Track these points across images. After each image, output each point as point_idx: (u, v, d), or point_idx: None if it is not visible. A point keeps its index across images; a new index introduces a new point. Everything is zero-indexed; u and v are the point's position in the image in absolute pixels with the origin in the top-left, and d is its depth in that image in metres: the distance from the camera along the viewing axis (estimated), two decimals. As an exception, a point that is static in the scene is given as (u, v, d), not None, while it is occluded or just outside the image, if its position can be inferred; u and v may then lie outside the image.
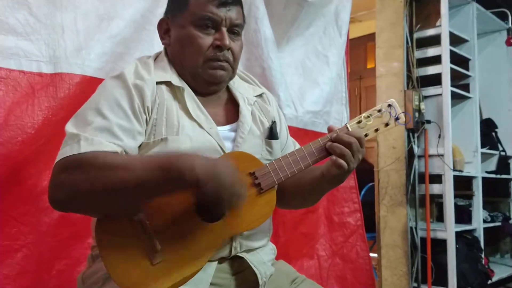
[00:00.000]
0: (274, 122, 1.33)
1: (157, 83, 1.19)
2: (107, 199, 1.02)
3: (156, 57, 1.29)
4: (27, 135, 1.51)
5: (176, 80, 1.22)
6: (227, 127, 1.26)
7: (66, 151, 1.04)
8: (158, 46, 1.33)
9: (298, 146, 1.47)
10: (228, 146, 1.22)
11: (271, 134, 1.31)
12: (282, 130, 1.42)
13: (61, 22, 1.60)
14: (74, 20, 1.63)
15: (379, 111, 1.24)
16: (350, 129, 1.19)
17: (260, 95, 1.39)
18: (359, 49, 5.80)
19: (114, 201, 1.02)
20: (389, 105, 1.24)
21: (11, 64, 1.51)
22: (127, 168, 0.99)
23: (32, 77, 1.54)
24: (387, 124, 1.24)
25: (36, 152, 1.53)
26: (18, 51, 1.52)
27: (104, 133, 1.07)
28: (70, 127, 1.09)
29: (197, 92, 1.25)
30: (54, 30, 1.59)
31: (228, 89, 1.34)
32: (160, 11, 1.34)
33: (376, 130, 1.23)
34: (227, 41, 1.20)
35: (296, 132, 2.35)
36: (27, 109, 1.52)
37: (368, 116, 1.23)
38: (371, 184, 3.66)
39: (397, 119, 1.24)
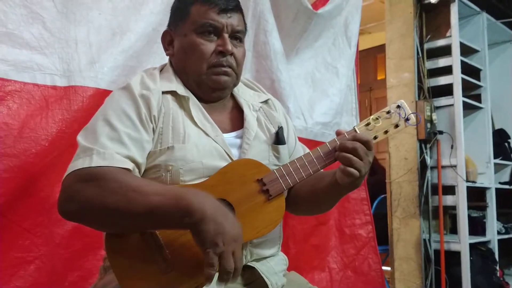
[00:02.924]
0: (280, 128, 1.33)
1: (163, 92, 1.20)
2: (115, 218, 1.02)
3: (162, 69, 1.31)
4: (41, 147, 1.53)
5: (181, 90, 1.23)
6: (233, 134, 1.26)
7: (78, 163, 1.05)
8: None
9: (307, 150, 1.45)
10: (234, 153, 1.22)
11: (278, 139, 1.30)
12: (290, 135, 1.41)
13: (74, 36, 1.63)
14: (87, 34, 1.66)
15: (388, 112, 1.21)
16: (358, 132, 1.17)
17: (266, 101, 1.40)
18: (369, 61, 5.80)
19: (120, 221, 1.03)
20: (398, 106, 1.20)
21: (25, 77, 1.53)
22: (139, 191, 1.00)
23: (46, 90, 1.57)
24: (396, 126, 1.21)
25: (50, 164, 1.55)
26: (33, 65, 1.55)
27: (114, 143, 1.08)
28: (82, 139, 1.10)
29: (202, 100, 1.26)
30: (68, 44, 1.62)
31: (233, 97, 1.35)
32: (171, 24, 1.36)
33: (386, 132, 1.21)
34: (229, 46, 1.22)
35: (306, 144, 2.30)
36: (41, 121, 1.54)
37: (377, 118, 1.20)
38: (383, 196, 3.64)
39: (407, 120, 1.21)
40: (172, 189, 1.03)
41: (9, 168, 1.46)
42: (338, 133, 1.18)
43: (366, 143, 1.12)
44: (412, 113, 1.20)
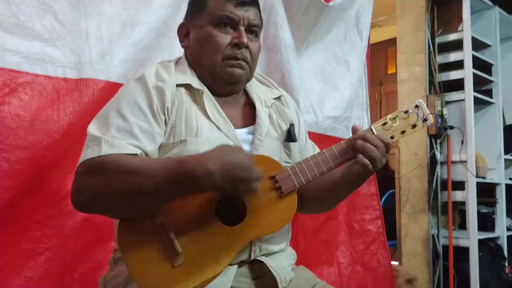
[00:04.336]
0: (292, 125, 1.33)
1: (177, 85, 1.21)
2: (127, 202, 1.04)
3: (177, 62, 1.31)
4: (52, 140, 1.53)
5: (195, 83, 1.23)
6: (245, 129, 1.27)
7: (88, 153, 1.06)
8: (179, 52, 1.35)
9: (317, 149, 1.46)
10: (246, 149, 1.21)
11: (289, 136, 1.31)
12: (301, 133, 1.41)
13: (86, 28, 1.63)
14: (99, 26, 1.66)
15: (406, 112, 1.19)
16: (375, 131, 1.17)
17: (278, 98, 1.40)
18: (380, 54, 5.74)
19: (134, 204, 1.04)
20: (417, 106, 1.19)
21: (37, 69, 1.54)
22: (145, 173, 1.01)
23: (57, 82, 1.57)
24: (414, 126, 1.19)
25: (61, 156, 1.56)
26: (44, 57, 1.55)
27: (124, 134, 1.09)
28: (92, 129, 1.11)
29: (215, 94, 1.26)
30: (79, 36, 1.61)
31: (246, 92, 1.35)
32: (180, 17, 1.35)
33: (403, 132, 1.19)
34: (245, 39, 1.22)
35: (316, 138, 2.32)
36: (52, 113, 1.54)
37: (394, 118, 1.19)
38: (391, 191, 3.62)
39: (425, 120, 1.19)
40: (173, 166, 1.01)
41: (20, 160, 1.46)
42: (354, 130, 1.18)
43: (386, 146, 1.14)
44: (431, 113, 1.19)
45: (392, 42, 4.16)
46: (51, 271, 1.53)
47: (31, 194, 1.51)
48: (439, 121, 3.24)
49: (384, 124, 1.18)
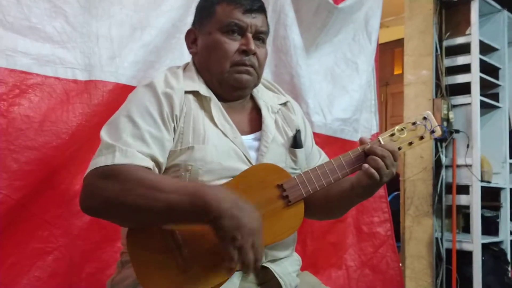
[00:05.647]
0: (298, 131, 1.34)
1: (185, 92, 1.22)
2: (136, 213, 1.05)
3: (185, 68, 1.32)
4: (62, 141, 1.54)
5: (203, 90, 1.25)
6: (251, 136, 1.28)
7: (101, 160, 1.07)
8: (188, 54, 1.35)
9: (323, 154, 1.48)
10: (252, 155, 1.23)
11: (295, 143, 1.32)
12: (307, 139, 1.42)
13: (96, 30, 1.64)
14: (109, 29, 1.67)
15: (414, 123, 1.21)
16: (382, 142, 1.18)
17: (285, 104, 1.40)
18: (386, 55, 5.71)
19: (142, 217, 1.06)
20: (424, 118, 1.21)
21: (47, 71, 1.55)
22: (158, 188, 1.03)
23: (67, 84, 1.58)
24: (421, 138, 1.21)
25: (70, 157, 1.57)
26: (54, 59, 1.56)
27: (136, 141, 1.10)
28: (105, 135, 1.12)
29: (222, 99, 1.27)
30: (90, 39, 1.62)
31: (252, 98, 1.36)
32: (190, 19, 1.36)
33: (410, 143, 1.21)
34: (253, 45, 1.23)
35: (325, 140, 2.34)
36: (61, 115, 1.56)
37: (402, 129, 1.21)
38: (396, 193, 3.62)
39: (432, 132, 1.21)
40: (190, 186, 1.05)
41: (30, 161, 1.48)
42: (361, 142, 1.20)
43: (393, 153, 1.15)
44: (438, 125, 1.21)
45: (399, 43, 4.15)
46: (59, 271, 1.55)
47: (40, 195, 1.53)
48: (447, 133, 3.24)
49: (392, 135, 1.20)
